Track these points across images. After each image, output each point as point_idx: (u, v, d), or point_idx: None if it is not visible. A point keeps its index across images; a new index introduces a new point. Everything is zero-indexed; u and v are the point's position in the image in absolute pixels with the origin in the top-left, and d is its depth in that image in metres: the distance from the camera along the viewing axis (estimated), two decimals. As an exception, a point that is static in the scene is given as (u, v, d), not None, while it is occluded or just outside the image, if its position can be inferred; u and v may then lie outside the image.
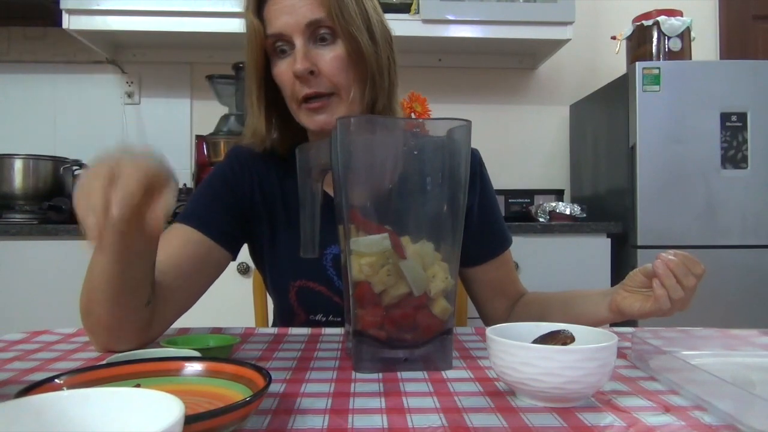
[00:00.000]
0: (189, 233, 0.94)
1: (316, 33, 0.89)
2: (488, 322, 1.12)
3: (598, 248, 2.03)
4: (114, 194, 0.56)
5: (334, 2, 0.87)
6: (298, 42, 0.88)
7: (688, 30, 2.19)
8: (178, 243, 0.92)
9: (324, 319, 1.02)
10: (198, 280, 0.95)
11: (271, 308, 1.33)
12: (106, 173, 0.57)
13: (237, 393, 0.54)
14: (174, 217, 0.96)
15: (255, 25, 0.89)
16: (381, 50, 0.93)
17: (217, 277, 1.00)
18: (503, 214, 2.25)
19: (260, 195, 1.02)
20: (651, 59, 2.17)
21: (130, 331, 0.78)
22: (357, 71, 0.92)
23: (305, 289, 1.00)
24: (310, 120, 0.92)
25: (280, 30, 0.89)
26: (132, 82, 2.55)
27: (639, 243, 1.99)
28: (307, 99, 0.91)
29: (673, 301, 0.80)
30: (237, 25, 2.37)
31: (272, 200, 1.03)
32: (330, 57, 0.89)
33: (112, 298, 0.73)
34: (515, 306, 1.09)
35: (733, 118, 2.00)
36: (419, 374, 0.68)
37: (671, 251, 0.81)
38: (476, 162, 1.08)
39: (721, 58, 2.68)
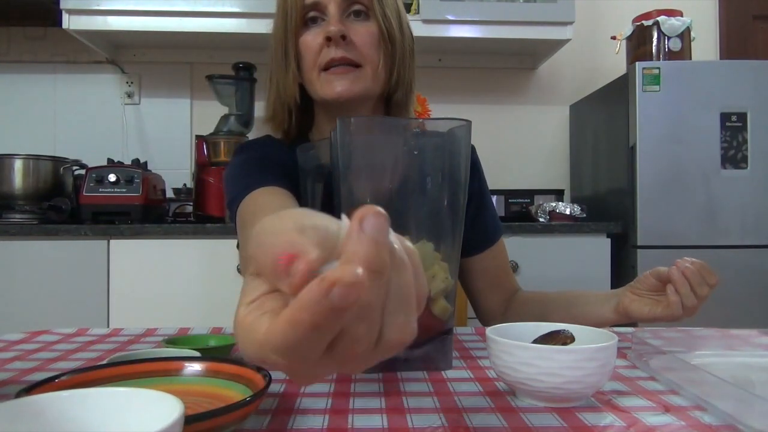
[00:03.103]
0: (276, 190, 0.87)
1: (350, 7, 0.90)
2: (484, 316, 1.12)
3: (598, 248, 2.03)
4: None
5: None
6: (333, 9, 0.89)
7: (688, 30, 2.19)
8: (282, 202, 0.84)
9: None
10: None
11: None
12: None
13: (237, 393, 0.54)
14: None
15: None
16: (407, 43, 0.96)
17: None
18: (503, 214, 2.27)
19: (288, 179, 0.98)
20: (651, 59, 2.17)
21: None
22: (385, 53, 0.92)
23: None
24: (329, 87, 0.90)
25: None
26: (132, 82, 2.55)
27: (639, 243, 1.99)
28: (331, 66, 0.89)
29: (684, 308, 0.81)
30: (237, 25, 2.37)
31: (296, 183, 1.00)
32: (363, 30, 0.90)
33: None
34: (512, 303, 1.08)
35: (733, 118, 2.00)
36: (419, 374, 0.68)
37: (688, 259, 0.82)
38: (474, 154, 1.10)
39: (721, 58, 2.67)
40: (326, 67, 0.89)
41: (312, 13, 0.91)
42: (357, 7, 0.91)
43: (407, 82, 0.97)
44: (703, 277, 0.81)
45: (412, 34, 0.99)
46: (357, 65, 0.90)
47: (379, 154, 0.74)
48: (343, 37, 0.88)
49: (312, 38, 0.90)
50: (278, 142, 1.03)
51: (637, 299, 0.85)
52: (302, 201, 0.87)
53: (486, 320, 1.12)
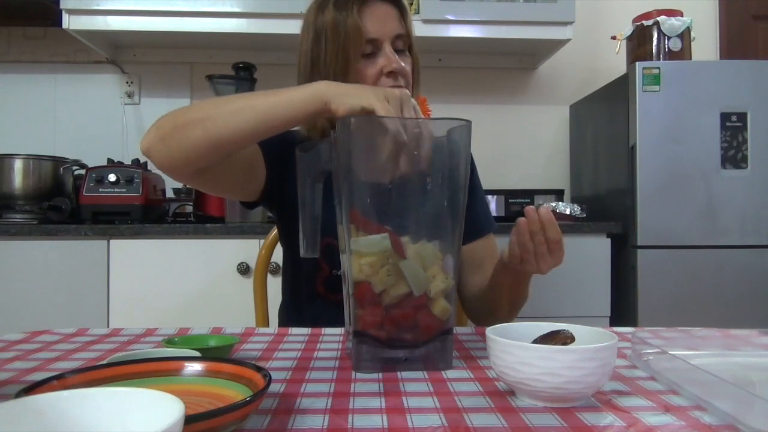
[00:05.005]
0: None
1: (396, 43, 1.05)
2: (463, 299, 1.19)
3: (598, 248, 2.03)
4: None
5: (410, 22, 1.07)
6: (387, 47, 1.03)
7: (688, 30, 2.19)
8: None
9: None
10: (235, 179, 1.04)
11: (272, 309, 1.33)
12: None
13: (237, 393, 0.54)
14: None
15: (359, 26, 1.02)
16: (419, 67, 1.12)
17: (244, 180, 1.07)
18: (503, 214, 2.27)
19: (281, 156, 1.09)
20: (651, 59, 2.17)
21: (191, 164, 0.88)
22: (416, 81, 1.10)
23: (331, 246, 1.02)
24: None
25: (375, 36, 1.03)
26: (132, 82, 2.55)
27: (639, 243, 1.99)
28: None
29: (524, 257, 0.90)
30: (237, 25, 2.36)
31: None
32: (407, 63, 1.06)
33: (237, 130, 0.85)
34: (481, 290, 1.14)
35: (733, 118, 1.99)
36: (419, 374, 0.68)
37: (543, 209, 0.89)
38: None
39: (721, 58, 2.67)
40: None
41: (368, 48, 1.03)
42: (400, 44, 1.06)
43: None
44: (544, 231, 0.88)
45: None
46: None
47: (379, 154, 0.74)
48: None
49: (369, 69, 1.04)
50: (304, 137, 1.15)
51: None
52: (302, 200, 0.88)
53: (462, 299, 1.19)
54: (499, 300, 1.08)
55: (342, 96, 0.80)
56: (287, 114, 0.84)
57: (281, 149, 1.08)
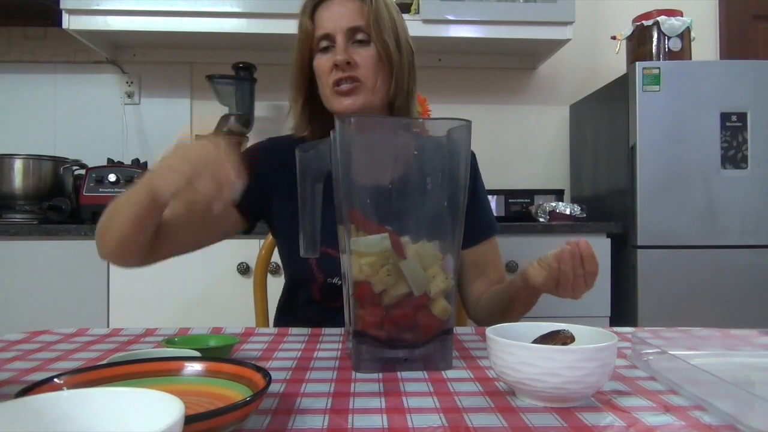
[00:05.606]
0: None
1: (354, 36, 1.07)
2: (466, 303, 1.20)
3: (598, 248, 1.99)
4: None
5: (372, 13, 1.06)
6: (340, 40, 1.06)
7: (688, 30, 2.19)
8: None
9: (339, 282, 1.07)
10: (204, 233, 1.11)
11: (272, 309, 1.33)
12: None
13: (237, 393, 0.54)
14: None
15: (308, 27, 1.09)
16: (404, 57, 1.11)
17: (223, 236, 1.15)
18: (503, 214, 2.27)
19: (290, 175, 1.06)
20: (651, 59, 2.17)
21: (135, 250, 0.98)
22: (384, 70, 1.09)
23: (325, 254, 1.02)
24: (338, 102, 1.07)
25: (328, 31, 1.07)
26: (132, 82, 2.55)
27: (639, 243, 1.99)
28: (339, 84, 1.06)
29: (562, 283, 0.91)
30: (237, 25, 2.36)
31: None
32: (364, 54, 1.07)
33: (133, 222, 0.90)
34: (487, 291, 1.15)
35: (733, 118, 1.99)
36: (419, 374, 0.68)
37: (583, 241, 0.91)
38: (472, 159, 1.18)
39: (721, 58, 2.67)
40: (336, 85, 1.06)
41: (324, 43, 1.08)
42: (360, 36, 1.07)
43: (406, 90, 1.12)
44: (583, 263, 0.90)
45: (411, 48, 1.13)
46: (360, 81, 1.06)
47: (379, 154, 0.74)
48: (348, 63, 1.05)
49: (325, 61, 1.08)
50: (284, 144, 1.15)
51: (538, 268, 0.93)
52: (302, 200, 0.88)
53: (465, 302, 1.20)
54: (512, 311, 1.09)
55: (159, 180, 0.76)
56: (135, 214, 0.89)
57: (257, 170, 1.09)
